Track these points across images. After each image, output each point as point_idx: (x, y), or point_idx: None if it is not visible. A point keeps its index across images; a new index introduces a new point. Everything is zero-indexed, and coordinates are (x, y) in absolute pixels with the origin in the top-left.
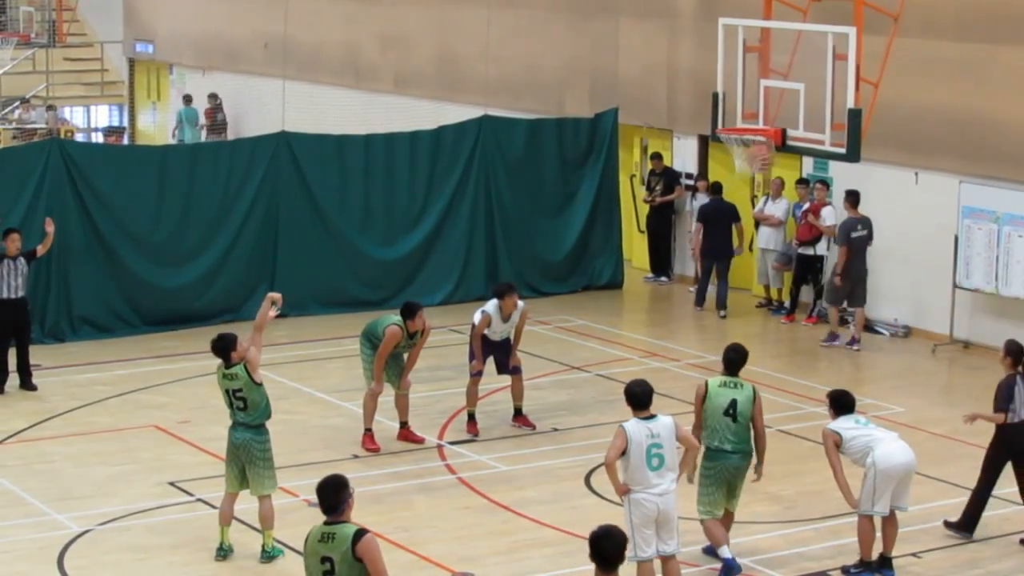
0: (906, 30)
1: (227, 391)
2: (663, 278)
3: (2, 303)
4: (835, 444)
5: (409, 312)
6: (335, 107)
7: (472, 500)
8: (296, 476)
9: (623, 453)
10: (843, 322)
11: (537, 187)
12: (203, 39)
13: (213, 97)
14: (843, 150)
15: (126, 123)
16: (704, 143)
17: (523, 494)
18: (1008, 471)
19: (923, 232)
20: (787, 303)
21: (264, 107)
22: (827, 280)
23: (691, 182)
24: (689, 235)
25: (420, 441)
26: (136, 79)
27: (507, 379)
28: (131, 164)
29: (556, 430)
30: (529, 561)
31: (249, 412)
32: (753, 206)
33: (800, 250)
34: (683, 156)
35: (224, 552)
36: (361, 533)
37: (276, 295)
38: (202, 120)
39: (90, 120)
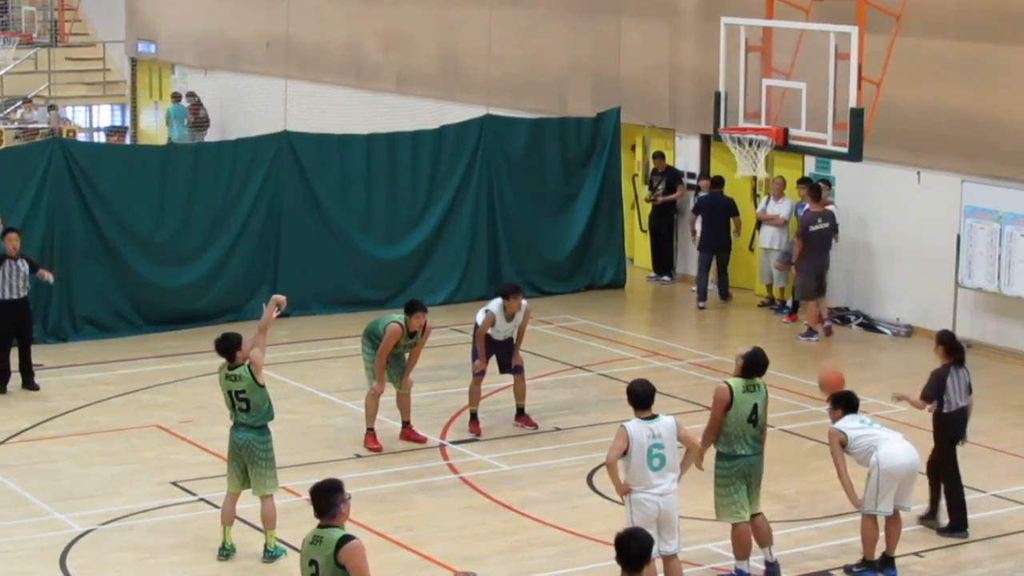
0: (908, 29)
1: (229, 392)
2: (665, 277)
3: (5, 304)
4: (840, 444)
5: (411, 309)
6: (337, 107)
7: (474, 500)
8: (298, 476)
9: (624, 453)
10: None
11: (539, 186)
12: (205, 39)
13: (191, 96)
14: (845, 149)
15: (128, 123)
16: (706, 142)
17: (525, 493)
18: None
19: (925, 231)
20: (789, 302)
21: (266, 107)
22: (796, 275)
23: (693, 181)
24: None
25: (422, 440)
26: (138, 79)
27: (509, 378)
28: (133, 164)
29: (558, 429)
30: (531, 561)
31: (252, 414)
32: (755, 206)
33: None
34: (685, 155)
35: (227, 552)
36: (346, 539)
37: (281, 298)
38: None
39: (92, 120)
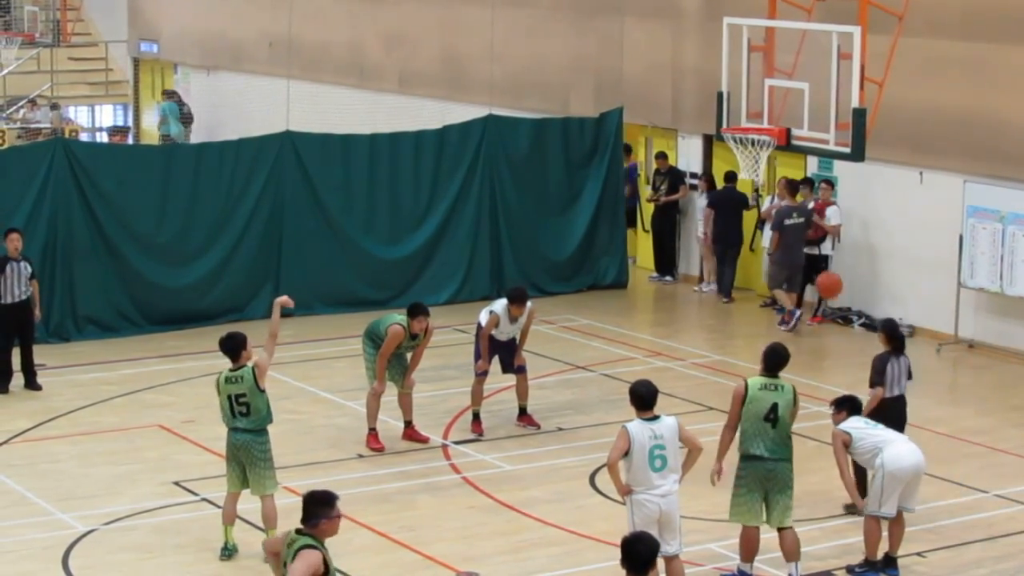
0: (911, 29)
1: (229, 396)
2: (668, 277)
3: (9, 306)
4: (844, 444)
5: (414, 312)
6: (339, 107)
7: (477, 500)
8: (301, 476)
9: (626, 454)
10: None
11: (542, 186)
12: (207, 39)
13: (172, 94)
14: (848, 150)
15: (131, 123)
16: (708, 142)
17: (528, 493)
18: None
19: (928, 232)
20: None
21: (268, 107)
22: (769, 266)
23: (695, 181)
24: (697, 237)
25: (425, 440)
26: (141, 79)
27: (512, 379)
28: (135, 164)
29: (561, 429)
30: (534, 561)
31: (251, 418)
32: (758, 206)
33: (805, 250)
34: (688, 155)
35: (229, 552)
36: (304, 547)
37: (285, 299)
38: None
39: (94, 120)
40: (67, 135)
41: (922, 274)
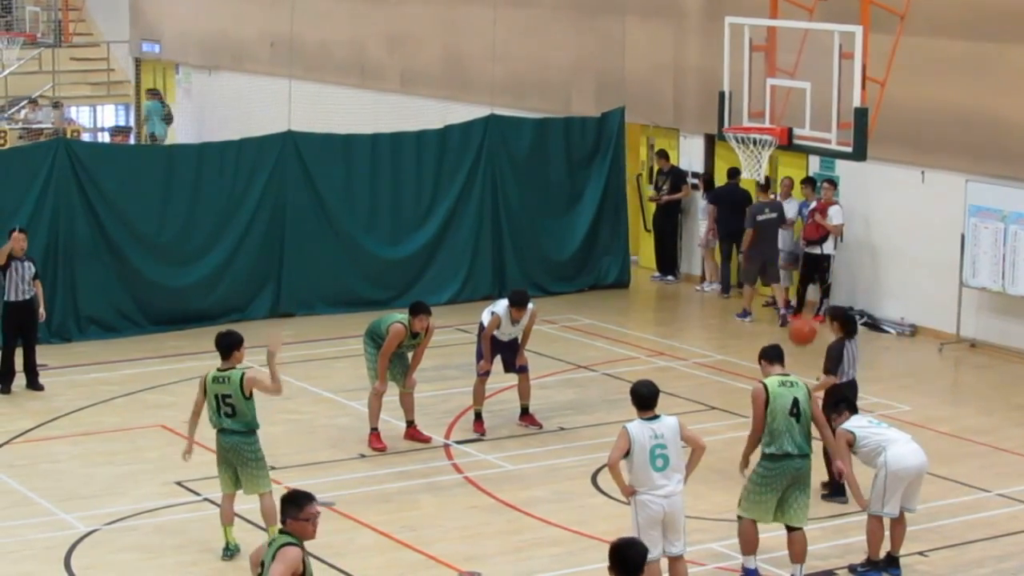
0: (913, 29)
1: (216, 396)
2: (670, 277)
3: (12, 305)
4: (848, 443)
5: (416, 310)
6: (341, 106)
7: (479, 499)
8: (303, 476)
9: (627, 454)
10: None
11: (544, 186)
12: (209, 39)
13: (155, 93)
14: (849, 149)
15: (132, 123)
16: (710, 142)
17: (530, 493)
18: None
19: (929, 231)
20: (794, 302)
21: (270, 107)
22: (743, 261)
23: (695, 181)
24: (699, 237)
25: (427, 440)
26: (142, 79)
27: (514, 378)
28: (137, 164)
29: (563, 429)
30: (536, 560)
31: (236, 419)
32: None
33: (807, 249)
34: (689, 155)
35: (231, 552)
36: (284, 545)
37: (276, 344)
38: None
39: (96, 120)
40: (69, 135)
41: (924, 273)
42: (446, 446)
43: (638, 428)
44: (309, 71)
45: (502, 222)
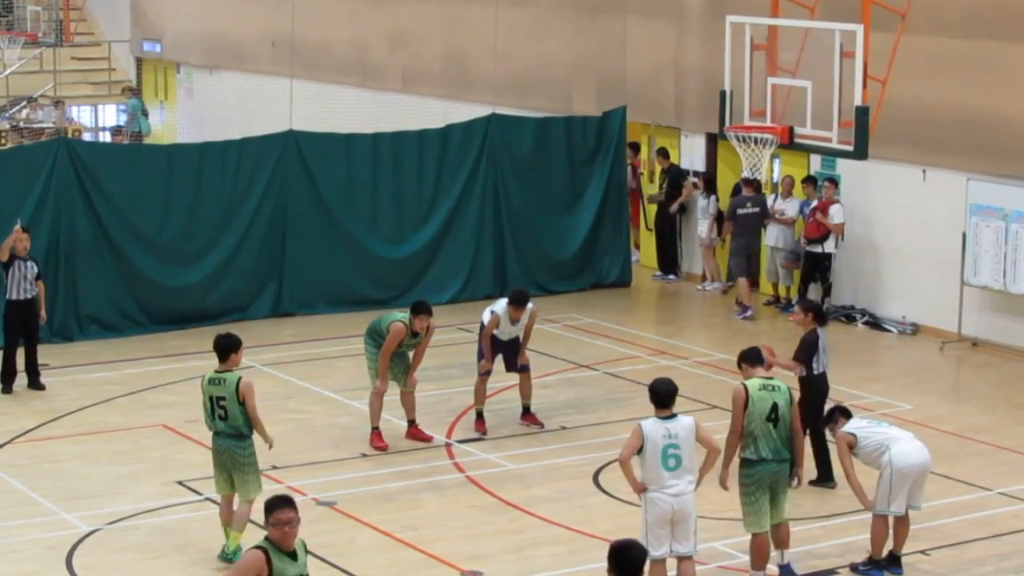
0: (913, 27)
1: (211, 397)
2: (671, 276)
3: (15, 304)
4: (849, 446)
5: (417, 310)
6: (343, 106)
7: (480, 498)
8: (304, 475)
9: (640, 451)
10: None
11: (545, 185)
12: (210, 38)
13: (135, 91)
14: (851, 148)
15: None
16: (712, 141)
17: (531, 492)
18: None
19: (931, 229)
20: (795, 301)
21: (271, 106)
22: (729, 256)
23: (695, 180)
24: (699, 237)
25: (428, 439)
26: (144, 78)
27: (515, 377)
28: (139, 163)
29: (564, 428)
30: (537, 560)
31: (229, 422)
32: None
33: (808, 248)
34: (691, 154)
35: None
36: (254, 548)
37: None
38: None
39: (97, 119)
40: (70, 134)
41: (925, 272)
42: (447, 445)
43: (652, 426)
44: (310, 70)
45: (503, 221)
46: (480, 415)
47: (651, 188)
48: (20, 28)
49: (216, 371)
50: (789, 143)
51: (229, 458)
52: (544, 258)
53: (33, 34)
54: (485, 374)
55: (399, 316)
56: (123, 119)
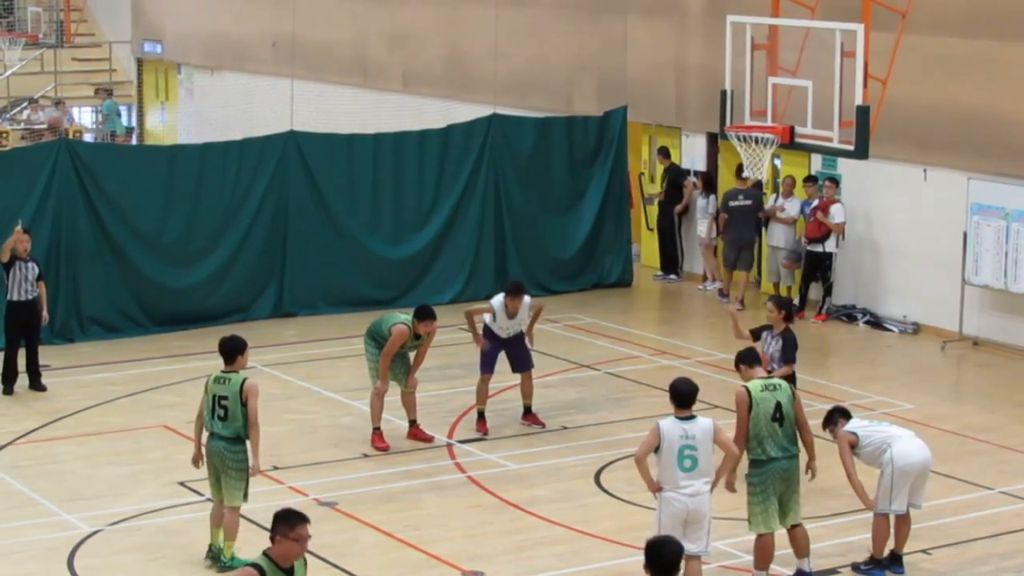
0: (914, 27)
1: (214, 396)
2: (672, 276)
3: (16, 305)
4: (850, 445)
5: (422, 315)
6: (343, 106)
7: (482, 499)
8: (305, 476)
9: (656, 450)
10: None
11: (546, 185)
12: (211, 39)
13: (109, 92)
14: (851, 147)
15: (135, 123)
16: (713, 141)
17: (533, 492)
18: None
19: (932, 229)
20: (796, 300)
21: (272, 106)
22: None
23: (694, 179)
24: (699, 236)
25: (429, 440)
26: (144, 79)
27: (516, 377)
28: (140, 164)
29: (566, 428)
30: (539, 560)
31: (228, 423)
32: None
33: (809, 247)
34: (692, 154)
35: (219, 554)
36: (249, 565)
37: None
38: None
39: (98, 120)
40: (71, 135)
41: (926, 271)
42: (449, 445)
43: (670, 426)
44: (311, 71)
45: (504, 221)
46: (481, 415)
47: (651, 188)
48: (21, 29)
49: (222, 371)
50: (790, 143)
51: (219, 460)
52: (545, 258)
53: (34, 35)
54: (487, 373)
55: (401, 318)
56: (99, 119)
